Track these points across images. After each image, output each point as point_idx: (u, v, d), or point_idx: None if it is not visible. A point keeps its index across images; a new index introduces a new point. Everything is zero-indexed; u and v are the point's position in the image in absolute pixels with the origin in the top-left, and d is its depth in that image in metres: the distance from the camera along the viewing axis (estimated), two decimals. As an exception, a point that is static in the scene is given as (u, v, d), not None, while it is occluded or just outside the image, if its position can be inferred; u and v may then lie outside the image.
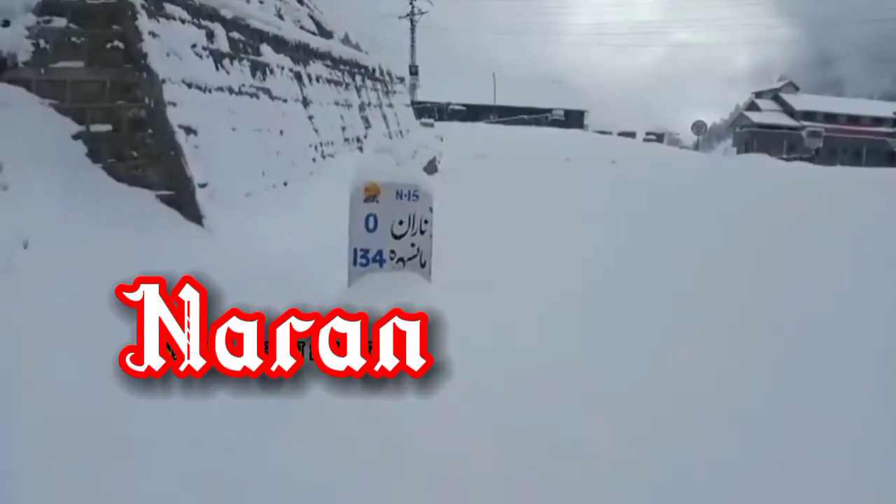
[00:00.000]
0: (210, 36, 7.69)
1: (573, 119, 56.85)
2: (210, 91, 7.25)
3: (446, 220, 5.74)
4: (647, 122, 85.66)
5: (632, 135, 40.72)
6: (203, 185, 6.31)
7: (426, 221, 4.89)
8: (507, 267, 6.27)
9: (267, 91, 8.98)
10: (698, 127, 39.91)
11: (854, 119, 72.40)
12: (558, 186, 12.38)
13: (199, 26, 7.51)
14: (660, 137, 45.12)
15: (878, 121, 72.42)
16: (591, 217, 8.92)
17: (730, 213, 9.24)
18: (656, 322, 5.02)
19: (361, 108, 14.89)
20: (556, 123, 49.06)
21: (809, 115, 71.33)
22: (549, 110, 55.19)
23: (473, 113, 50.56)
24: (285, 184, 8.52)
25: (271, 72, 9.34)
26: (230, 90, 7.79)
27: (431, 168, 14.45)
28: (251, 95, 8.39)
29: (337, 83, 13.20)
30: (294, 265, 5.75)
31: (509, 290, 5.59)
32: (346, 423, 3.25)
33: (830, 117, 71.48)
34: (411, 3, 51.16)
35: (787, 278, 6.21)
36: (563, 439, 3.25)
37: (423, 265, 4.89)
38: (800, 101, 75.61)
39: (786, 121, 72.00)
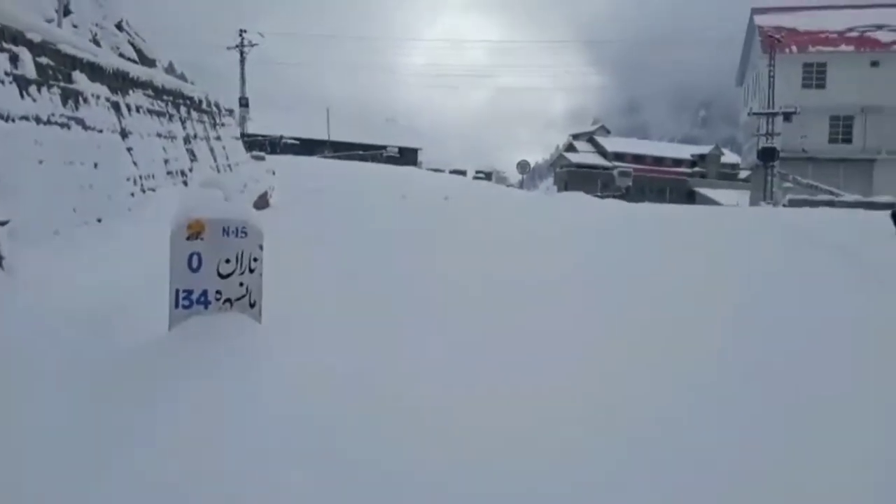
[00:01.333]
0: (14, 60, 7.06)
1: (408, 156, 58.02)
2: (13, 120, 6.62)
3: (280, 256, 5.62)
4: (477, 161, 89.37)
5: (463, 172, 42.35)
6: (3, 224, 5.72)
7: (255, 259, 4.76)
8: (340, 302, 6.22)
9: (80, 121, 8.36)
10: (522, 166, 42.33)
11: (658, 160, 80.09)
12: (395, 221, 12.54)
13: (2, 49, 6.87)
14: (488, 175, 47.34)
15: (678, 162, 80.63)
16: (426, 249, 9.10)
17: (549, 237, 9.88)
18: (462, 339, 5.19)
19: (186, 140, 14.26)
20: (391, 160, 49.80)
21: (620, 156, 77.93)
22: (384, 147, 55.99)
23: (307, 147, 50.07)
24: (99, 220, 7.94)
25: (85, 101, 8.71)
26: (37, 119, 7.16)
27: (262, 202, 14.11)
28: (62, 125, 7.77)
29: (160, 114, 12.56)
30: (109, 308, 5.34)
31: (339, 327, 5.54)
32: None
33: (638, 158, 78.55)
34: (241, 35, 50.04)
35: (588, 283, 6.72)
36: None
37: (252, 305, 4.74)
38: (611, 144, 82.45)
39: (600, 161, 78.09)
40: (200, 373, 3.89)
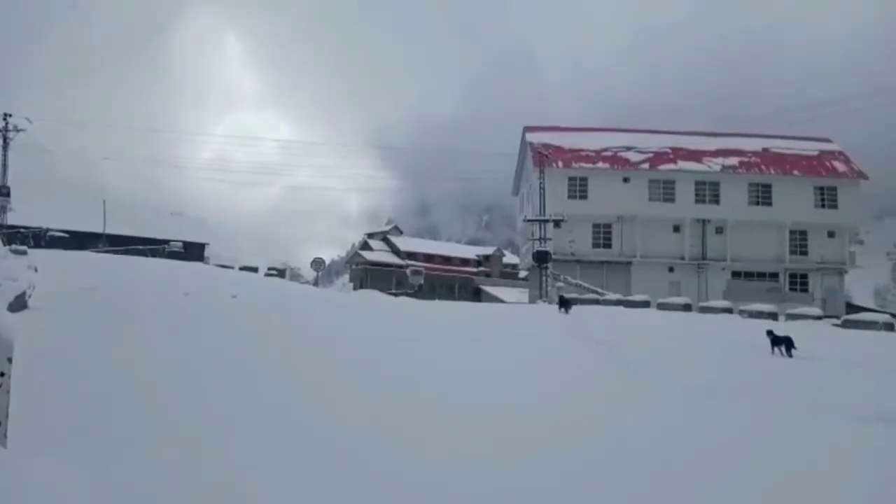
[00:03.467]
0: None
1: (193, 251, 55.39)
2: None
3: (34, 367, 5.05)
4: (270, 257, 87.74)
5: (254, 269, 41.14)
6: None
7: (2, 374, 4.22)
8: (100, 420, 5.66)
9: None
10: (318, 263, 42.31)
11: (447, 259, 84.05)
12: (177, 320, 11.78)
13: None
14: (281, 273, 46.46)
15: (465, 262, 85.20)
16: (209, 353, 8.63)
17: (350, 336, 9.84)
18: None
19: (-73, 232, 12.50)
20: (174, 255, 47.18)
21: (413, 255, 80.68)
22: (167, 241, 53.05)
23: (79, 240, 45.95)
24: None
25: None
26: None
27: (19, 303, 12.62)
28: None
29: None
30: None
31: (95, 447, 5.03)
32: None
33: (429, 257, 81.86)
34: (5, 118, 45.69)
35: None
36: None
37: (-5, 426, 4.15)
38: (404, 243, 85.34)
39: (394, 259, 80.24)
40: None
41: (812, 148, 51.07)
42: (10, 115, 46.00)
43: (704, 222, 47.71)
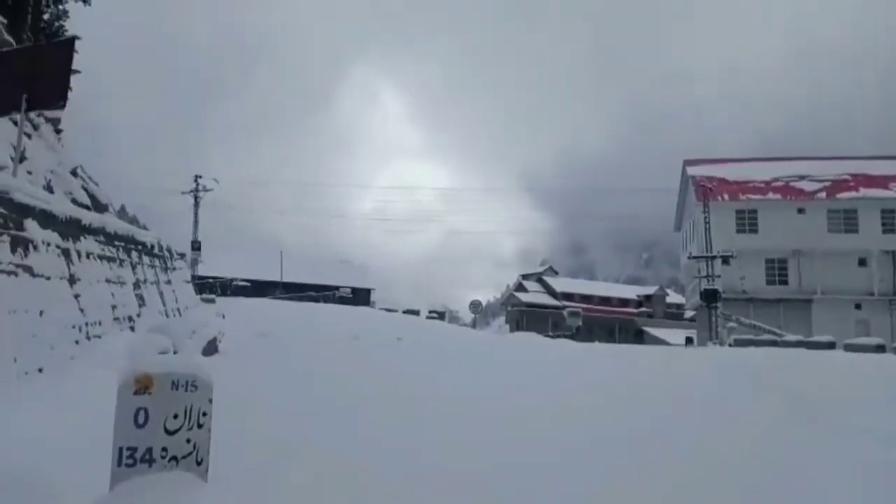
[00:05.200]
0: (-36, 209, 7.03)
1: (360, 297, 58.20)
2: (-43, 268, 6.49)
3: (228, 408, 5.47)
4: (430, 300, 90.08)
5: (416, 312, 42.49)
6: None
7: (205, 413, 4.61)
8: (290, 458, 6.00)
9: (28, 268, 8.24)
10: (475, 306, 42.88)
11: (605, 300, 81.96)
12: (347, 364, 12.36)
13: (-48, 199, 6.86)
14: (441, 315, 47.66)
15: (624, 302, 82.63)
16: (379, 398, 8.94)
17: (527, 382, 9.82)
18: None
19: (136, 285, 14.09)
20: (343, 301, 49.81)
21: (569, 296, 79.58)
22: (337, 288, 56.16)
23: (259, 289, 49.88)
24: (40, 370, 7.63)
25: (35, 248, 8.63)
26: (-18, 267, 7.05)
27: (211, 348, 13.81)
28: (8, 273, 7.64)
29: (110, 259, 12.47)
30: (46, 468, 5.03)
31: (287, 486, 5.32)
32: None
33: (586, 298, 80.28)
34: (196, 180, 50.99)
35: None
36: None
37: (199, 463, 4.53)
38: (560, 284, 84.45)
39: (549, 301, 79.53)
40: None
41: None
42: (201, 177, 51.29)
43: (895, 254, 43.10)
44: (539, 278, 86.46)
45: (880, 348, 25.94)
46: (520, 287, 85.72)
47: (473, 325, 47.50)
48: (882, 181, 45.31)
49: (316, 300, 45.14)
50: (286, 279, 55.83)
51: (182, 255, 22.93)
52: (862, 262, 43.64)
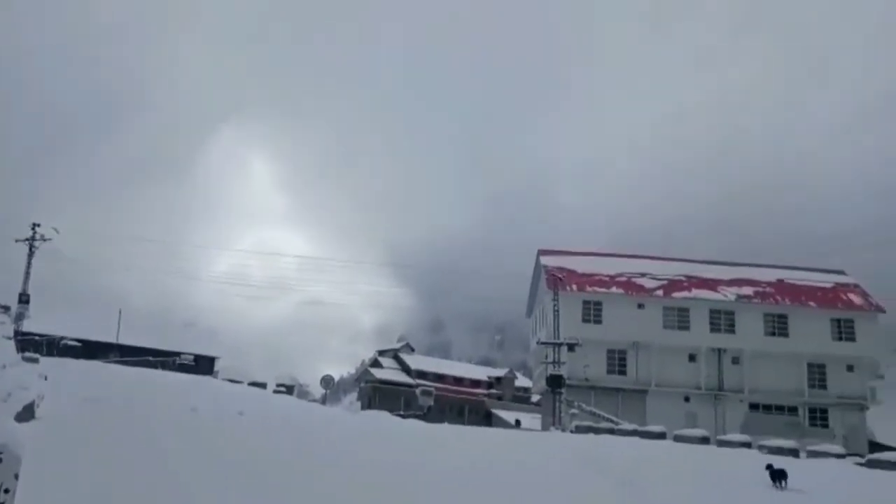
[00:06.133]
0: None
1: (203, 365, 55.06)
2: None
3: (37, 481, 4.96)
4: (281, 371, 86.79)
5: (263, 385, 40.67)
6: None
7: (7, 490, 4.14)
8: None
9: None
10: (326, 381, 41.93)
11: (458, 380, 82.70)
12: (180, 441, 11.56)
13: None
14: (290, 389, 45.86)
15: (476, 383, 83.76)
16: (211, 476, 8.40)
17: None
18: None
19: (-55, 338, 12.60)
20: (184, 368, 46.91)
21: (423, 374, 79.62)
22: (178, 354, 52.92)
23: (91, 350, 45.91)
24: None
25: None
26: None
27: (28, 413, 12.50)
28: None
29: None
30: None
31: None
32: None
33: (440, 377, 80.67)
34: (33, 228, 46.96)
35: None
36: None
37: (-7, 547, 4.03)
38: (415, 361, 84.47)
39: (404, 378, 79.12)
40: None
41: (827, 280, 51.06)
42: (39, 225, 47.31)
43: (720, 352, 47.04)
44: (395, 354, 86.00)
45: (705, 440, 27.91)
46: (375, 363, 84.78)
47: (324, 400, 46.19)
48: (712, 284, 49.75)
49: (154, 366, 42.20)
50: (124, 342, 51.91)
51: (6, 308, 20.86)
52: (692, 358, 47.12)
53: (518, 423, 42.49)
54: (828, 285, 50.37)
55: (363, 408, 69.88)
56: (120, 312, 53.13)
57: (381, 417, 22.85)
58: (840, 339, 46.96)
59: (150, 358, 47.94)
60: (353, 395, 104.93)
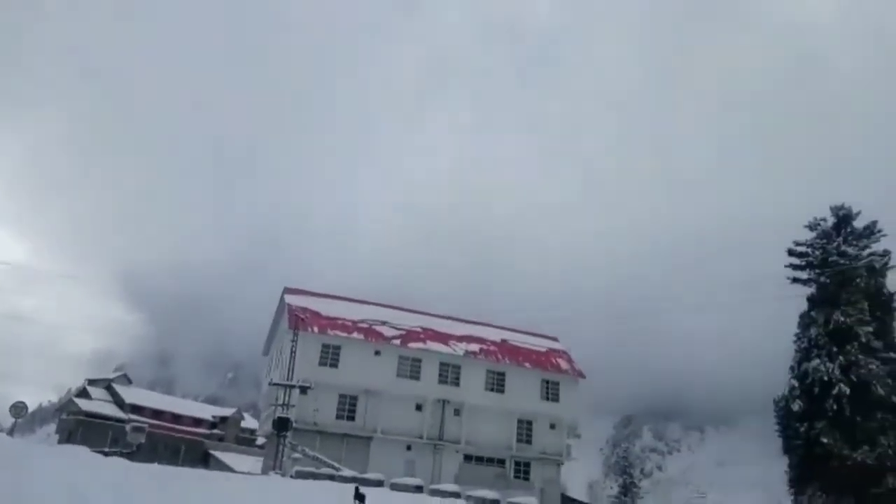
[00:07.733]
0: None
1: None
2: None
3: None
4: (-39, 395, 74.04)
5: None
6: None
7: None
8: None
9: None
10: (17, 409, 36.45)
11: (178, 418, 77.01)
12: None
13: None
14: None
15: (198, 422, 78.66)
16: None
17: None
18: None
19: None
20: None
21: (139, 409, 73.02)
22: None
23: None
24: None
25: None
26: None
27: None
28: None
29: None
30: None
31: None
32: None
33: (158, 413, 74.52)
34: None
35: None
36: None
37: None
38: (131, 395, 77.22)
39: (115, 412, 71.84)
40: None
41: (542, 344, 56.55)
42: None
43: (445, 403, 49.40)
44: (109, 385, 77.62)
45: (419, 489, 28.90)
46: (83, 392, 75.75)
47: (11, 431, 40.05)
48: (444, 337, 52.40)
49: None
50: None
51: None
52: (419, 407, 48.83)
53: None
54: (542, 349, 55.78)
55: (61, 441, 61.97)
56: None
57: (76, 453, 20.26)
58: (547, 399, 52.00)
59: None
60: (52, 427, 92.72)
